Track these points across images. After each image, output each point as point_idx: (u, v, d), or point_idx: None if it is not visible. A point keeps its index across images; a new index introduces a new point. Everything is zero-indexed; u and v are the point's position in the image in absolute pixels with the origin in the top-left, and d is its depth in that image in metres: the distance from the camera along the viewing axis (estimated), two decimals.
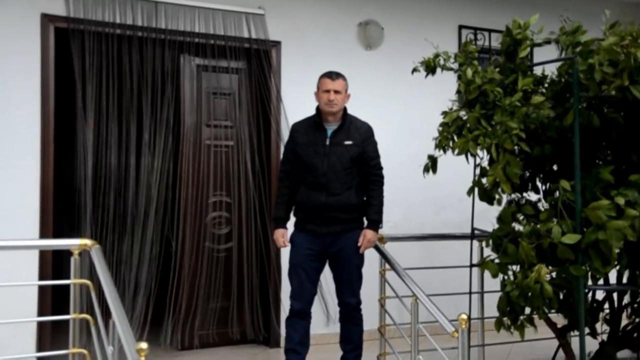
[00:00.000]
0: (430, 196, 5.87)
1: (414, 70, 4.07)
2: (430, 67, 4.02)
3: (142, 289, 5.07)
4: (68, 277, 3.39)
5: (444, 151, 3.94)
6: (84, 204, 4.85)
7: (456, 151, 3.79)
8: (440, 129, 3.96)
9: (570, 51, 3.71)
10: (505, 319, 3.85)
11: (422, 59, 4.05)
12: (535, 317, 3.85)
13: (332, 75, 4.15)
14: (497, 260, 3.77)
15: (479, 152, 3.76)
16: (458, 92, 3.98)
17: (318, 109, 4.18)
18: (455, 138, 3.82)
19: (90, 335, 3.18)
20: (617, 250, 3.36)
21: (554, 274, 3.56)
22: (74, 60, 4.81)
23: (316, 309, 4.23)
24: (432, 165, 4.11)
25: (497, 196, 3.80)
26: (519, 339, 3.88)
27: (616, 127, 3.70)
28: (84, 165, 4.85)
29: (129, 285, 5.03)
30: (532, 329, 3.94)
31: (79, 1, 4.80)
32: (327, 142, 4.11)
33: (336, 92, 4.09)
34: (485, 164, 3.96)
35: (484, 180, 3.83)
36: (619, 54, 3.30)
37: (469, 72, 3.79)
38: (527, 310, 3.73)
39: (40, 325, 4.68)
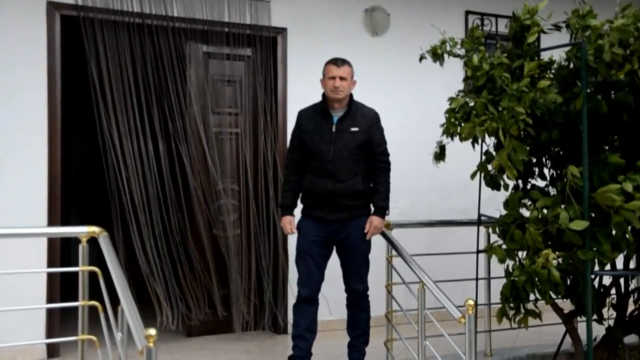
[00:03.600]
0: (437, 183, 5.87)
1: (421, 58, 4.06)
2: (436, 55, 4.00)
3: (152, 276, 5.09)
4: (76, 265, 3.40)
5: (452, 138, 3.93)
6: (116, 190, 4.90)
7: (463, 136, 3.78)
8: (447, 115, 3.95)
9: (580, 35, 3.69)
10: (507, 307, 3.86)
11: (429, 46, 4.04)
12: (540, 304, 3.86)
13: (338, 61, 4.13)
14: (504, 246, 3.78)
15: (486, 138, 3.76)
16: (465, 78, 3.96)
17: (324, 95, 4.18)
18: (463, 124, 3.81)
19: (99, 321, 3.20)
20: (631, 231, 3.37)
21: (560, 260, 3.56)
22: (87, 48, 4.82)
23: (324, 296, 4.24)
24: (440, 152, 4.10)
25: (502, 182, 3.80)
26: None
27: (625, 112, 3.68)
28: (111, 152, 4.90)
29: (140, 272, 5.05)
30: (540, 315, 3.95)
31: None
32: (333, 129, 4.11)
33: (342, 78, 4.08)
34: (492, 149, 3.96)
35: (489, 166, 3.83)
36: (631, 34, 3.28)
37: (475, 58, 3.78)
38: (532, 297, 3.75)
39: (49, 312, 4.71)
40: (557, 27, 3.86)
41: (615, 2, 3.63)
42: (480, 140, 3.90)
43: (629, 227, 3.39)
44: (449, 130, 3.91)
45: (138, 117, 5.04)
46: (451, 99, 3.95)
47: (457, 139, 3.93)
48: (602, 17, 3.72)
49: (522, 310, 3.87)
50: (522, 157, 3.53)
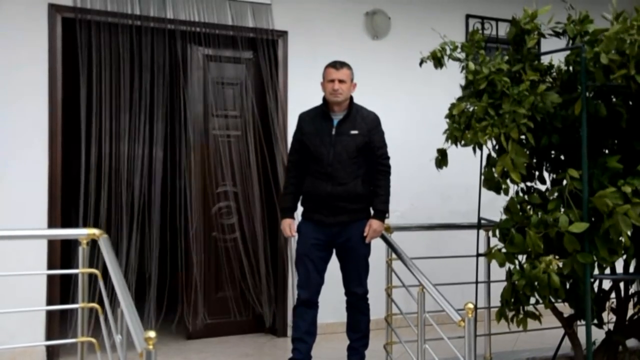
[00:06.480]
0: (438, 186, 5.86)
1: (422, 62, 4.06)
2: (437, 59, 4.00)
3: (150, 279, 5.10)
4: (77, 266, 3.41)
5: (456, 144, 3.92)
6: (85, 193, 4.87)
7: (463, 142, 3.79)
8: (449, 121, 3.95)
9: (578, 40, 3.70)
10: (507, 309, 3.87)
11: (430, 49, 4.03)
12: (540, 307, 3.86)
13: (337, 64, 4.14)
14: (504, 250, 3.78)
15: (488, 142, 3.76)
16: (467, 85, 3.95)
17: (324, 98, 4.19)
18: (466, 131, 3.81)
19: (99, 324, 3.20)
20: (627, 234, 3.36)
21: (560, 264, 3.56)
22: (79, 50, 4.81)
23: (323, 298, 4.25)
24: (442, 158, 4.10)
25: (504, 185, 3.80)
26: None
27: (623, 116, 3.69)
28: (86, 155, 4.86)
29: (137, 275, 5.05)
30: (539, 318, 3.95)
31: None
32: (333, 132, 4.11)
33: (341, 81, 4.09)
34: (493, 154, 3.96)
35: (492, 170, 3.82)
36: (624, 42, 3.29)
37: (472, 65, 3.79)
38: (532, 300, 3.75)
39: (49, 314, 4.71)
40: (557, 34, 3.87)
41: (610, 5, 3.64)
42: (482, 146, 3.90)
43: (628, 231, 3.39)
44: (453, 136, 3.90)
45: (140, 120, 5.04)
46: (452, 105, 3.95)
47: (458, 143, 3.93)
48: (597, 21, 3.74)
49: (522, 313, 3.88)
50: (524, 161, 3.54)
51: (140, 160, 5.05)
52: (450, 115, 3.93)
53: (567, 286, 3.78)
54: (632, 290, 4.33)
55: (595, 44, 3.50)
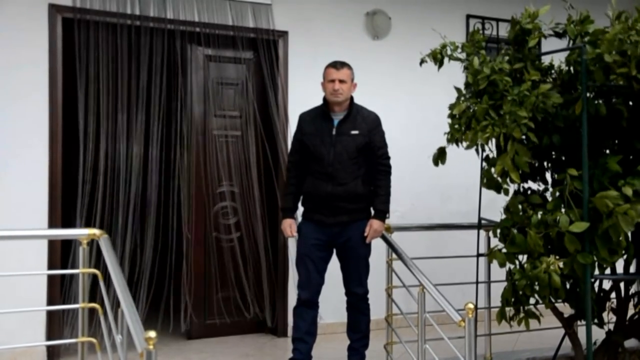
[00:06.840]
0: (438, 186, 5.87)
1: (422, 61, 4.06)
2: (437, 59, 4.00)
3: (149, 278, 5.09)
4: (77, 266, 3.40)
5: (457, 145, 3.92)
6: (82, 193, 4.86)
7: (466, 144, 3.79)
8: (450, 121, 3.94)
9: (579, 40, 3.70)
10: (508, 309, 3.87)
11: (430, 49, 4.03)
12: (541, 307, 3.86)
13: (337, 64, 4.14)
14: (504, 250, 3.78)
15: (488, 143, 3.76)
16: (466, 86, 3.94)
17: (325, 98, 4.19)
18: (467, 131, 3.80)
19: (99, 323, 3.20)
20: (628, 233, 3.36)
21: (561, 264, 3.56)
22: (78, 50, 4.81)
23: (324, 299, 4.25)
24: (440, 156, 4.10)
25: (505, 186, 3.80)
26: (525, 328, 3.90)
27: (624, 116, 3.69)
28: (84, 155, 4.85)
29: (135, 275, 5.05)
30: (539, 318, 3.95)
31: None
32: (334, 132, 4.11)
33: (341, 81, 4.09)
34: (493, 154, 3.96)
35: (492, 170, 3.83)
36: (624, 43, 3.29)
37: (476, 61, 3.78)
38: (532, 300, 3.75)
39: (49, 314, 4.71)
40: (557, 34, 3.87)
41: (610, 5, 3.64)
42: (483, 146, 3.90)
43: (629, 230, 3.39)
44: (453, 137, 3.90)
45: (140, 120, 5.03)
46: (452, 106, 3.95)
47: (460, 144, 3.93)
48: (598, 21, 3.74)
49: (522, 313, 3.88)
50: (526, 160, 3.54)
51: (139, 161, 5.05)
52: (451, 115, 3.93)
53: (568, 286, 3.78)
54: (632, 291, 4.33)
55: (596, 44, 3.50)
